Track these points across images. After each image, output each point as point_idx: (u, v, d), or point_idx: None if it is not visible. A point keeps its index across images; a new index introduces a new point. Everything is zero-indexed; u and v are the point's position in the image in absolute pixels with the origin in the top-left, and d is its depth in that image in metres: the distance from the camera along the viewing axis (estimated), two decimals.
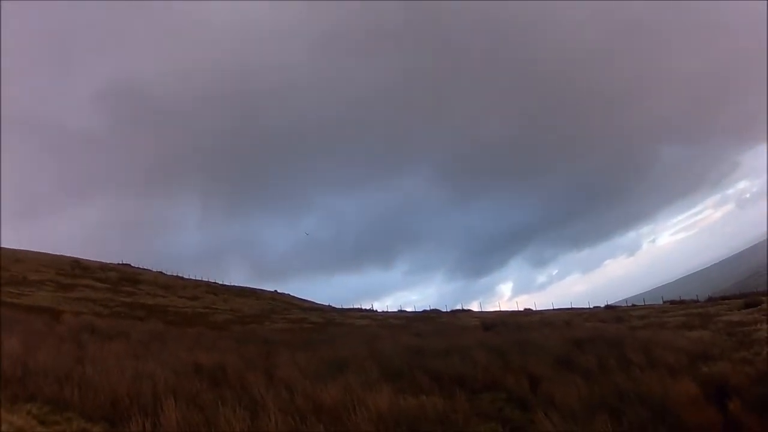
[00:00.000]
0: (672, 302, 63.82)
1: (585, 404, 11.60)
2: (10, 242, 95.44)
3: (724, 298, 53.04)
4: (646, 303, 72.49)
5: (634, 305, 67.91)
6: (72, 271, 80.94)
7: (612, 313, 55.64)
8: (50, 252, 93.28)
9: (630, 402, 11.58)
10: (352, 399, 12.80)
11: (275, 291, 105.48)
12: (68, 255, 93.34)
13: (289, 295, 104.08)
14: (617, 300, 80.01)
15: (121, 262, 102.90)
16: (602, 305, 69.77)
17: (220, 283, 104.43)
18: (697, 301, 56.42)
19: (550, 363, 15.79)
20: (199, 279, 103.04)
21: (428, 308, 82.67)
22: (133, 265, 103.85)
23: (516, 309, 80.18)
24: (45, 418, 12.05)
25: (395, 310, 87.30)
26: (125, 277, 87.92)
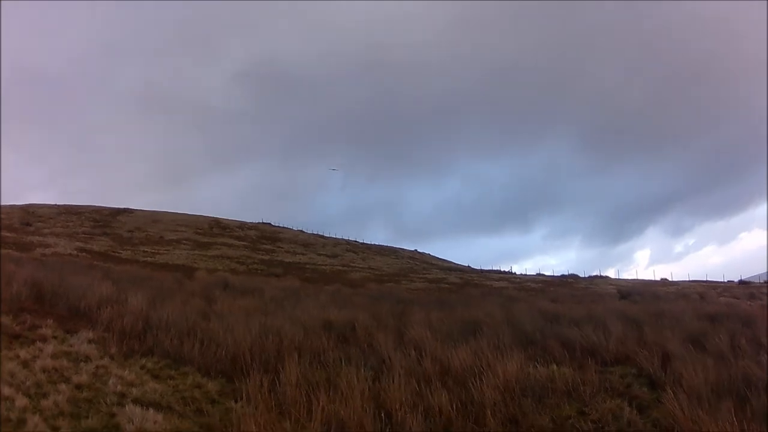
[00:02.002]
0: None
1: (712, 387, 10.92)
2: (152, 205, 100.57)
3: None
4: None
5: (767, 282, 68.80)
6: (210, 230, 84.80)
7: (745, 289, 56.82)
8: (189, 213, 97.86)
9: (756, 389, 10.82)
10: (480, 364, 12.35)
11: (415, 250, 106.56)
12: (207, 215, 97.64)
13: (429, 255, 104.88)
14: (751, 275, 79.58)
15: (261, 221, 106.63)
16: (736, 280, 72.14)
17: (361, 241, 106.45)
18: None
19: (682, 339, 15.00)
20: (340, 237, 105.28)
21: (566, 273, 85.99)
22: (273, 224, 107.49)
23: (653, 278, 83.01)
24: (159, 372, 12.10)
25: (534, 273, 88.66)
26: (265, 235, 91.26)
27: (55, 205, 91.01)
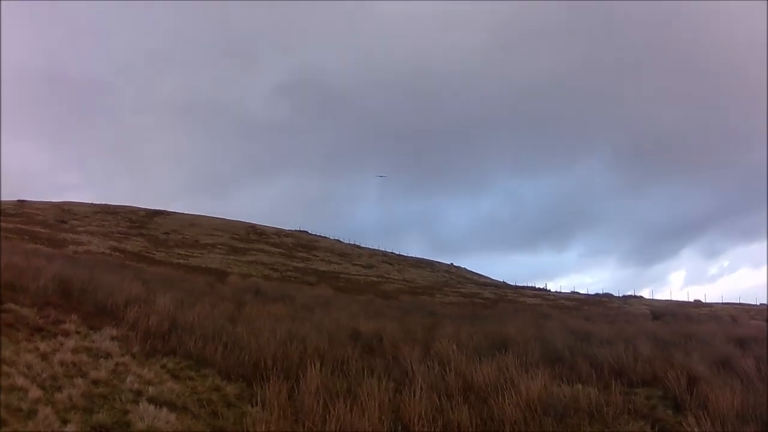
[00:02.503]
0: None
1: (737, 412, 10.89)
2: (189, 210, 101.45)
3: None
4: None
5: None
6: (246, 236, 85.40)
7: None
8: (226, 218, 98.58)
9: None
10: (504, 380, 12.32)
11: (451, 264, 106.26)
12: (244, 221, 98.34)
13: (464, 269, 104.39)
14: None
15: (298, 229, 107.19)
16: None
17: (397, 253, 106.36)
18: None
19: (710, 362, 14.92)
20: (376, 248, 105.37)
21: (601, 292, 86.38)
22: (310, 232, 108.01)
23: (686, 300, 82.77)
24: (179, 373, 12.17)
25: (568, 291, 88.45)
26: (301, 243, 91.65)
27: (92, 204, 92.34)
